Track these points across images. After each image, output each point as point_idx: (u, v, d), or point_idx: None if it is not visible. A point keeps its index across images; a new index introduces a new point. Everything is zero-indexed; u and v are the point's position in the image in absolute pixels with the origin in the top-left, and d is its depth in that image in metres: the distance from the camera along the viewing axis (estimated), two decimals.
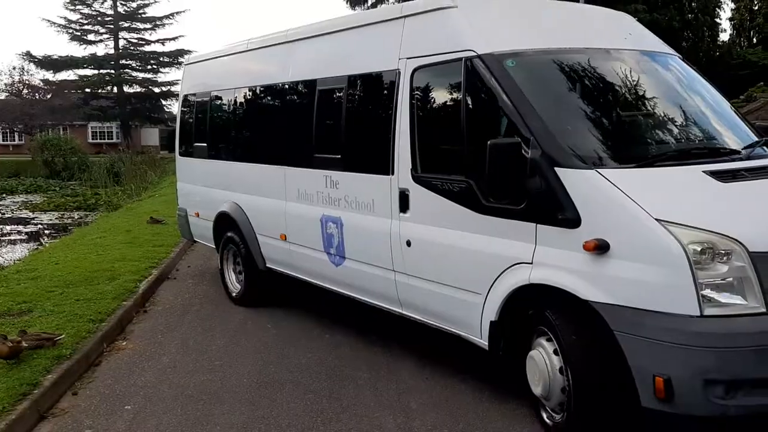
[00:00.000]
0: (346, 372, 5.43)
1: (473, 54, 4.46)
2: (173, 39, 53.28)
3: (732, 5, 44.84)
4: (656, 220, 3.57)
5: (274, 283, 7.24)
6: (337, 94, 5.80)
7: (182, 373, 5.53)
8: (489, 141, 4.00)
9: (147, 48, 53.09)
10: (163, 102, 55.24)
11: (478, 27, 4.63)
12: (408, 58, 5.02)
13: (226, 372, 5.51)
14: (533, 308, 4.20)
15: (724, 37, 41.57)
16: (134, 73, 53.14)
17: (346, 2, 32.09)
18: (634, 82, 4.59)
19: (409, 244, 5.02)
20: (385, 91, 5.24)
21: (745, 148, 4.51)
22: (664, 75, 4.94)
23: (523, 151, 4.04)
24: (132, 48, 53.14)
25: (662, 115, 4.61)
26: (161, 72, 53.62)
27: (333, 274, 6.01)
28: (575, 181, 3.87)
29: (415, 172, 4.93)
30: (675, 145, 4.42)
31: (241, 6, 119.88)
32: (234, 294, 7.62)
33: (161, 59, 53.05)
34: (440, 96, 4.85)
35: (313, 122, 6.08)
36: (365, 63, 5.54)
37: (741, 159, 4.32)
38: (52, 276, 8.37)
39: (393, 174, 5.10)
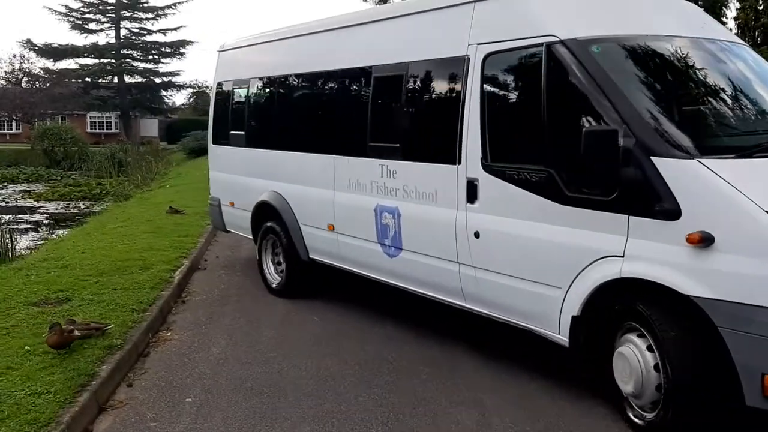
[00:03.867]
0: (405, 366, 5.29)
1: (555, 39, 4.31)
2: (175, 29, 52.49)
3: (738, 4, 44.89)
4: (766, 212, 3.45)
5: (316, 274, 7.11)
6: (396, 81, 5.63)
7: (236, 365, 5.38)
8: (584, 128, 3.87)
9: (148, 38, 52.83)
10: (164, 93, 54.99)
11: (558, 12, 4.50)
12: (478, 44, 4.86)
13: (281, 364, 5.36)
14: (621, 303, 4.06)
15: None
16: (135, 63, 52.90)
17: None
18: (722, 72, 4.47)
19: (477, 235, 4.88)
20: (451, 78, 5.10)
21: None
22: (746, 66, 4.78)
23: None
24: (133, 38, 52.79)
25: (754, 105, 4.47)
26: (162, 62, 53.45)
27: (387, 265, 5.86)
28: (674, 171, 3.73)
29: (485, 161, 4.78)
30: None
31: None
32: (273, 285, 7.46)
33: (162, 49, 52.78)
34: (516, 83, 4.71)
35: (368, 110, 5.93)
36: (428, 49, 5.38)
37: None
38: (82, 265, 8.21)
39: (460, 163, 4.96)
